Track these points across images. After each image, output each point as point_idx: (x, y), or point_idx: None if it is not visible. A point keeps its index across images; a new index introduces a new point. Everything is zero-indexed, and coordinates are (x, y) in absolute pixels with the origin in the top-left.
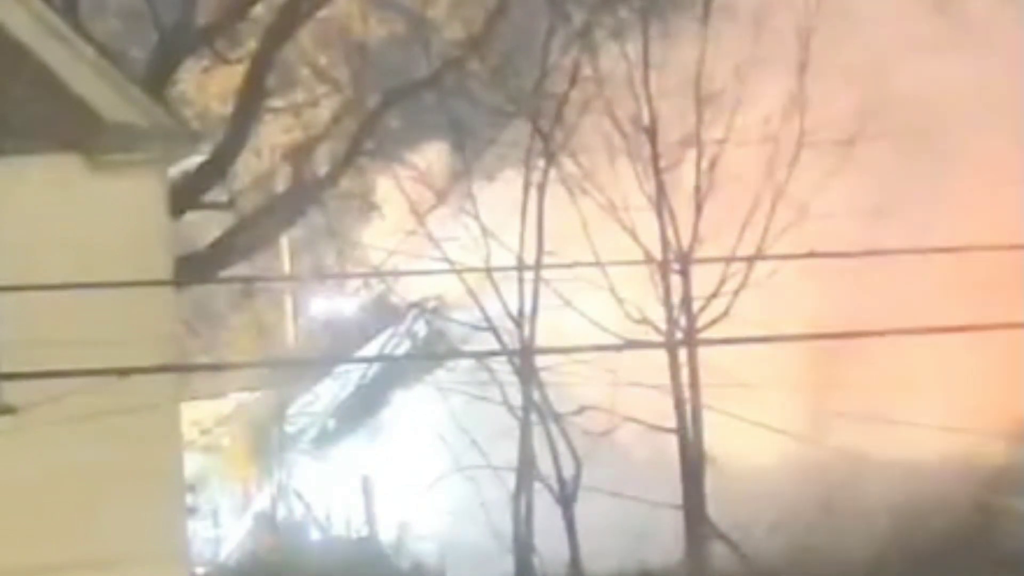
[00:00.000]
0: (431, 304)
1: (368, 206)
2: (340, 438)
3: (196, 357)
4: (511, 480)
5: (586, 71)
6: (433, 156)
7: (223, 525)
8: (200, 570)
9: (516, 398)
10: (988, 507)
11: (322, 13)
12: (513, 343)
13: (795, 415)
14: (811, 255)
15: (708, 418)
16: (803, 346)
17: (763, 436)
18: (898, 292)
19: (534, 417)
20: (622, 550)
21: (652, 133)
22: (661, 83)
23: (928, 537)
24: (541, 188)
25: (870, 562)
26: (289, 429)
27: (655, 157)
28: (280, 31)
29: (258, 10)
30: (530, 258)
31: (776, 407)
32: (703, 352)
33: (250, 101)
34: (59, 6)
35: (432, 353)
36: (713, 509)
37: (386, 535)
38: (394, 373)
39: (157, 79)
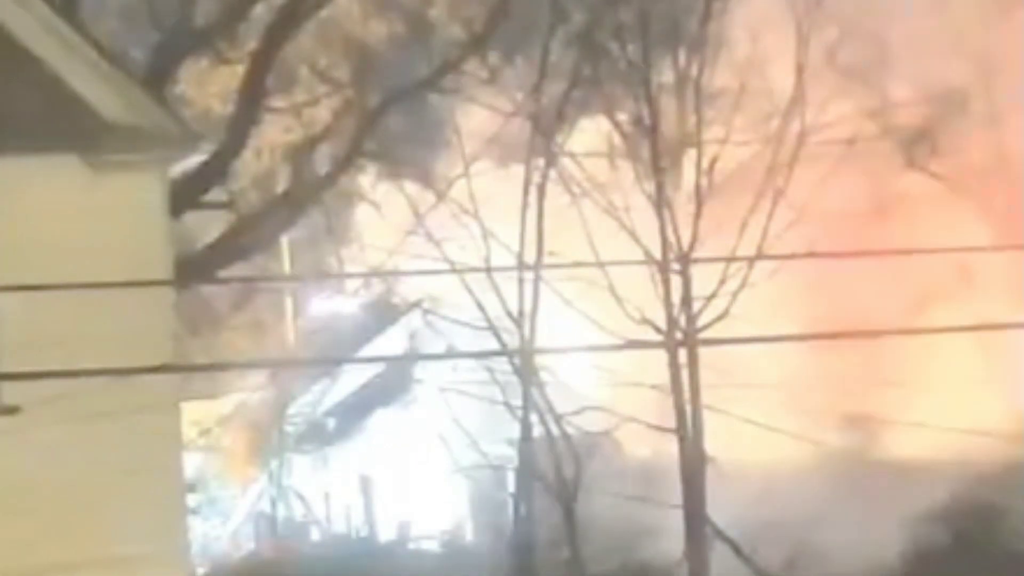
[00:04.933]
0: (427, 304)
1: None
2: (340, 438)
3: (196, 357)
4: (511, 480)
5: (586, 71)
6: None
7: (223, 525)
8: (200, 570)
9: (516, 398)
10: (989, 507)
11: (322, 13)
12: (513, 343)
13: (795, 415)
14: (811, 255)
15: (708, 418)
16: (803, 346)
17: (763, 436)
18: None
19: (534, 417)
20: (622, 549)
21: (652, 133)
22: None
23: (930, 537)
24: (541, 188)
25: (871, 562)
26: (289, 429)
27: (655, 157)
28: (280, 31)
29: (258, 10)
30: (530, 258)
31: (776, 407)
32: (703, 352)
33: (250, 101)
34: (59, 6)
35: (432, 353)
36: (713, 509)
37: (386, 535)
38: (394, 373)
39: (157, 79)
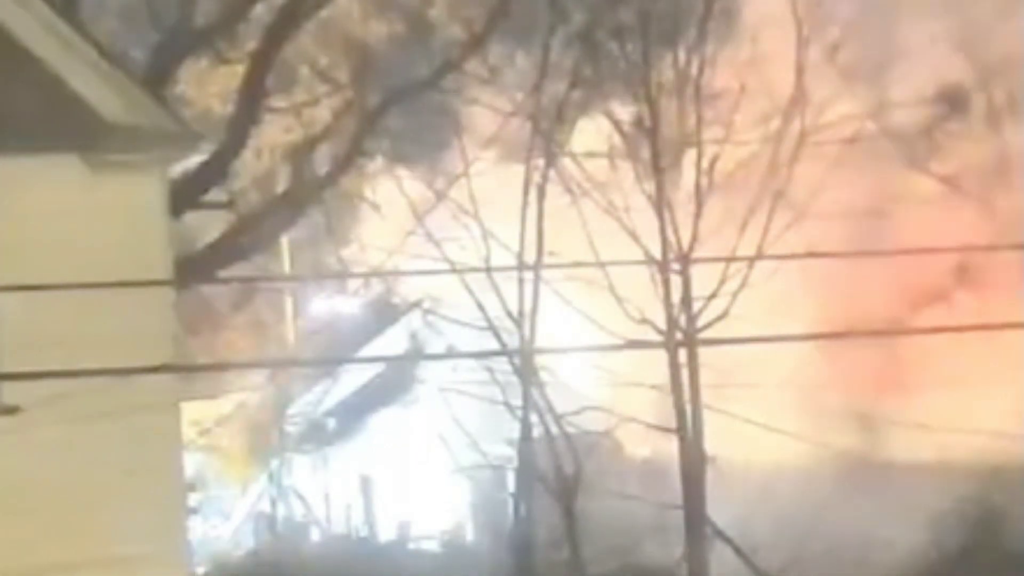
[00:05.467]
0: (426, 303)
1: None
2: (340, 438)
3: (196, 357)
4: (511, 480)
5: (586, 71)
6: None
7: (223, 525)
8: (200, 570)
9: (516, 398)
10: (990, 508)
11: (322, 13)
12: (513, 343)
13: (795, 415)
14: (811, 255)
15: (708, 418)
16: (803, 346)
17: (763, 436)
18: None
19: (534, 417)
20: (622, 549)
21: (652, 133)
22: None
23: (931, 537)
24: (541, 188)
25: (872, 562)
26: (289, 429)
27: (655, 157)
28: (280, 31)
29: (258, 10)
30: (530, 258)
31: (776, 407)
32: (703, 352)
33: (250, 101)
34: (59, 6)
35: (432, 353)
36: (713, 509)
37: (386, 535)
38: (394, 373)
39: (157, 79)
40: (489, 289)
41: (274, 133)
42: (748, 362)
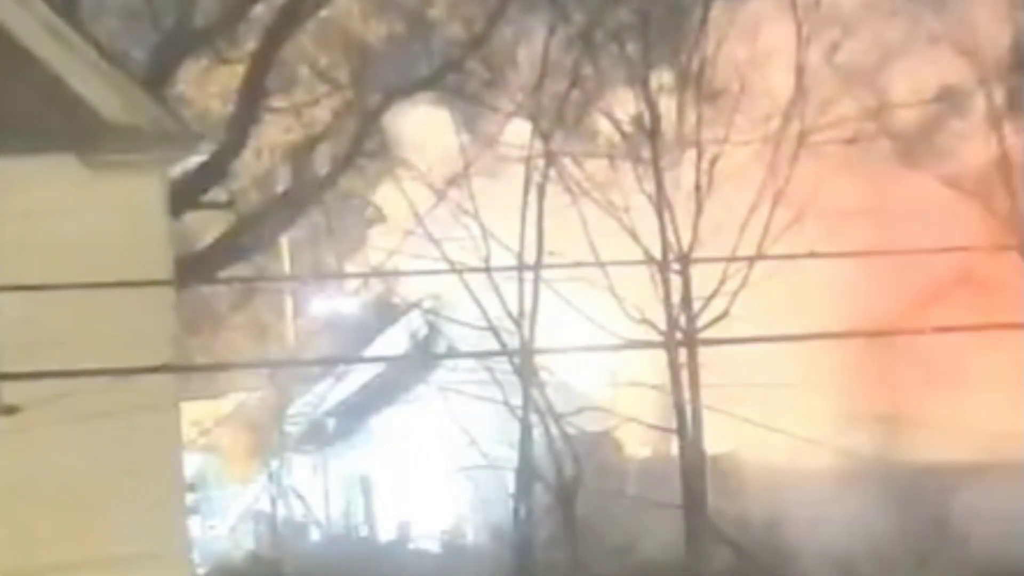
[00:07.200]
0: (427, 303)
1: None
2: (340, 438)
3: (196, 357)
4: (511, 480)
5: (586, 71)
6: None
7: (223, 525)
8: (201, 570)
9: (516, 398)
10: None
11: (322, 13)
12: (513, 343)
13: (798, 415)
14: (811, 255)
15: (708, 418)
16: (805, 346)
17: (764, 436)
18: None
19: (534, 417)
20: (622, 549)
21: (652, 133)
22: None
23: (934, 538)
24: (541, 188)
25: (873, 563)
26: (289, 429)
27: (655, 157)
28: (280, 31)
29: (258, 10)
30: (530, 258)
31: (779, 407)
32: (704, 352)
33: (250, 101)
34: (59, 6)
35: (432, 353)
36: (713, 508)
37: (386, 535)
38: (394, 373)
39: (157, 79)
40: (489, 289)
41: (274, 133)
42: (747, 362)
